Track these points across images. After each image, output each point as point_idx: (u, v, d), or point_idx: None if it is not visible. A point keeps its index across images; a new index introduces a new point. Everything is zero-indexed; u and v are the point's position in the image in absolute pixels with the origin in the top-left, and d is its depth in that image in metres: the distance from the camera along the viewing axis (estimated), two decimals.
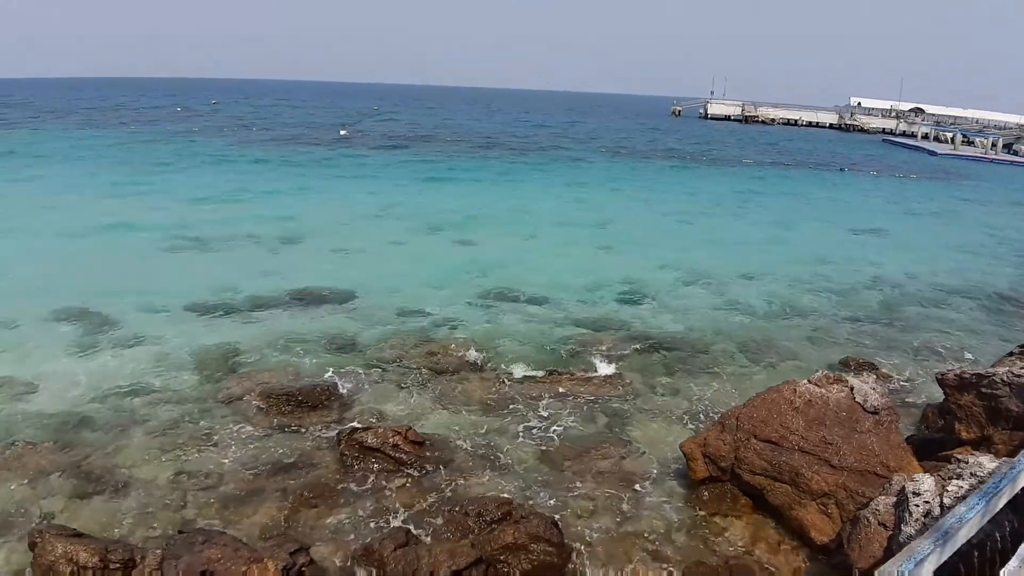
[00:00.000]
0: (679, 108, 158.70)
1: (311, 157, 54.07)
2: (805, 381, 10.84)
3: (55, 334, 16.69)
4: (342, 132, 76.42)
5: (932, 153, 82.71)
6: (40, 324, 17.21)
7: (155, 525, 9.86)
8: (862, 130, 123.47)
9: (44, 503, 10.30)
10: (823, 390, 10.51)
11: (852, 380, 10.78)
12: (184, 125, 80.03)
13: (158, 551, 8.48)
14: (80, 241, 25.76)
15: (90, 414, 12.90)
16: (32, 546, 8.55)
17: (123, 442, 12.01)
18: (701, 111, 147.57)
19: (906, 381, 15.52)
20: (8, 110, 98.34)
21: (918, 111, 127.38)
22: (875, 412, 10.11)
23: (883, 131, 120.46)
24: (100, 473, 11.07)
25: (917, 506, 7.76)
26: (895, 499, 8.26)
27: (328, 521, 10.02)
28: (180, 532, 9.04)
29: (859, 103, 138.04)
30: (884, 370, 15.95)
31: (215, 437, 12.24)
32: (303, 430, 12.54)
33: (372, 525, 9.92)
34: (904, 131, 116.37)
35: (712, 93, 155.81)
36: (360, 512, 10.23)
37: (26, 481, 10.79)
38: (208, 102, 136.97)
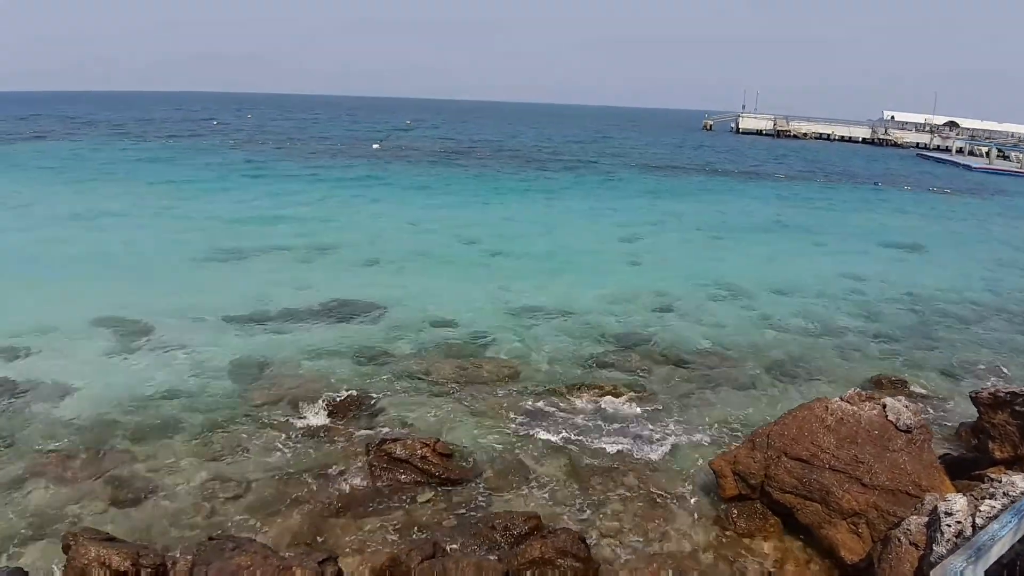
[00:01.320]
0: (710, 122, 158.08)
1: (344, 171, 54.68)
2: (837, 398, 10.73)
3: (93, 341, 17.03)
4: (375, 146, 77.07)
5: (967, 168, 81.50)
6: (79, 331, 17.57)
7: (186, 531, 10.00)
8: (895, 144, 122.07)
9: (78, 507, 10.49)
10: (855, 408, 10.39)
11: (885, 398, 10.66)
12: (220, 138, 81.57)
13: (189, 557, 8.59)
14: (119, 250, 26.34)
15: (125, 420, 13.13)
16: (66, 549, 8.69)
17: (156, 448, 12.21)
18: (733, 125, 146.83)
19: (939, 399, 15.28)
20: (60, 123, 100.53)
21: (952, 125, 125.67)
22: (908, 430, 9.97)
23: (917, 145, 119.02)
24: (133, 478, 11.25)
25: (949, 526, 7.64)
26: (927, 519, 8.14)
27: (356, 531, 10.08)
28: (210, 538, 9.14)
29: (892, 117, 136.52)
30: (917, 388, 15.74)
31: (247, 444, 12.39)
32: (333, 439, 12.65)
33: (400, 536, 9.96)
34: (938, 145, 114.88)
35: (744, 107, 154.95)
36: (388, 523, 10.27)
37: (61, 485, 11.01)
38: (243, 116, 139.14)
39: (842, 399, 10.69)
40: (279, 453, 12.14)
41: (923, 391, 15.64)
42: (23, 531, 9.84)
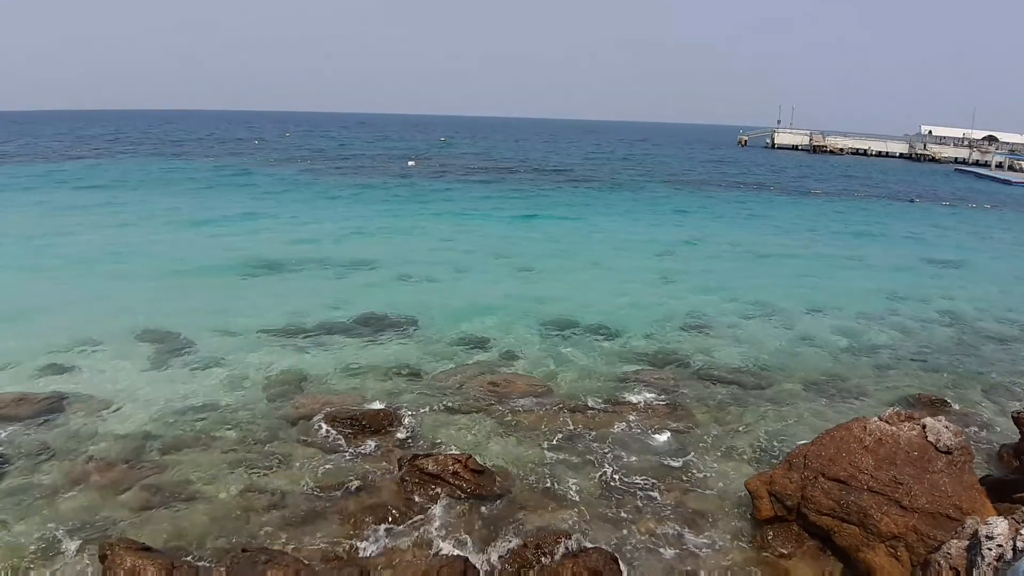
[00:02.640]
0: (745, 137, 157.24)
1: (380, 187, 55.34)
2: (875, 418, 10.56)
3: (134, 354, 17.36)
4: (410, 163, 77.75)
5: (1006, 183, 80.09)
6: (120, 344, 17.94)
7: (220, 542, 10.09)
8: (933, 159, 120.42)
9: (116, 516, 10.65)
10: (894, 428, 10.22)
11: (925, 418, 10.46)
12: (262, 155, 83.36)
13: (222, 568, 8.67)
14: (159, 265, 26.84)
15: (163, 431, 13.34)
16: (103, 558, 8.83)
17: (193, 460, 12.37)
18: (768, 140, 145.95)
19: (980, 419, 14.95)
20: (111, 142, 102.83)
21: (991, 139, 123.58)
22: (948, 452, 9.78)
23: (955, 160, 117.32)
24: (170, 489, 11.40)
25: (990, 550, 7.47)
26: (967, 543, 7.97)
27: (388, 546, 10.09)
28: (244, 551, 9.21)
29: (930, 131, 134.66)
30: (957, 408, 15.43)
31: (281, 458, 12.49)
32: (366, 454, 12.70)
33: (431, 553, 9.95)
34: (977, 160, 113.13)
35: (779, 122, 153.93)
36: (419, 539, 10.28)
37: (100, 494, 11.19)
38: (282, 134, 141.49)
39: (881, 419, 10.52)
40: (312, 466, 12.22)
41: (964, 411, 15.33)
42: (61, 538, 10.00)
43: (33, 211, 38.57)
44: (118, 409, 14.28)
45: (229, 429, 13.51)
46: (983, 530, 7.77)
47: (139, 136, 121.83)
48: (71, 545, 9.87)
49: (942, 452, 9.76)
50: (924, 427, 10.15)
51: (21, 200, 42.59)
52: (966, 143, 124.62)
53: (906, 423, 10.32)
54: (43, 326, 19.02)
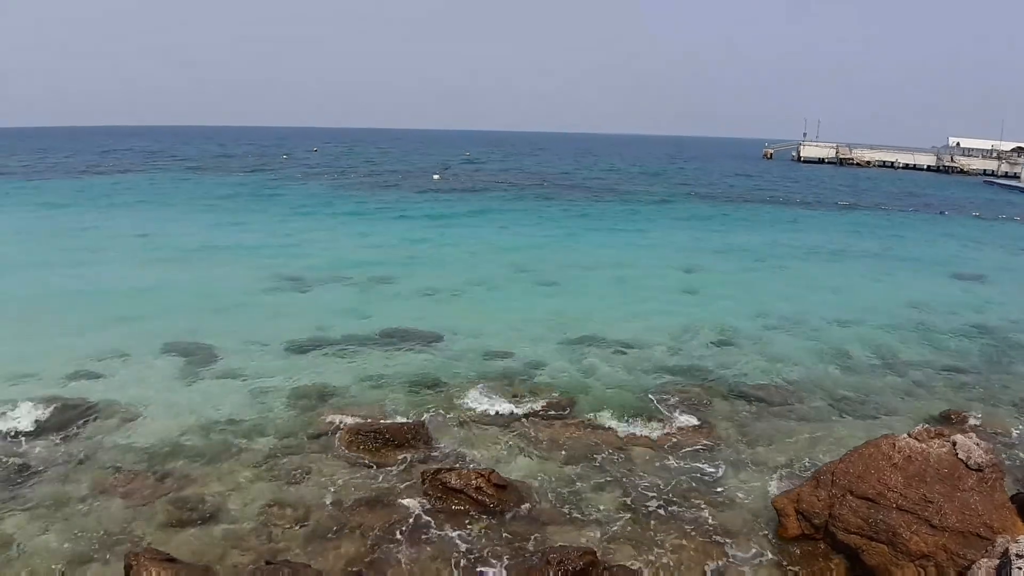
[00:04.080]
0: (771, 150, 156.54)
1: (405, 202, 55.74)
2: (904, 435, 10.41)
3: (162, 366, 17.57)
4: (435, 177, 78.18)
5: None
6: (148, 356, 18.16)
7: (245, 554, 10.13)
8: (961, 171, 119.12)
9: (141, 526, 10.74)
10: (923, 445, 10.06)
11: (955, 435, 10.29)
12: (290, 171, 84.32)
13: None
14: (187, 279, 27.16)
15: (189, 444, 13.45)
16: (127, 569, 8.90)
17: (218, 472, 12.45)
18: (794, 153, 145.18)
19: (1011, 436, 14.69)
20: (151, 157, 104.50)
21: (1020, 151, 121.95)
22: (979, 469, 9.61)
23: (984, 172, 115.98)
24: (195, 501, 11.47)
25: (1020, 568, 7.34)
26: (998, 561, 7.84)
27: (410, 560, 10.07)
28: (267, 563, 9.25)
29: (958, 143, 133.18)
30: (988, 424, 15.16)
31: (305, 471, 12.53)
32: (389, 468, 12.70)
33: (453, 567, 9.92)
34: (1006, 172, 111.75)
35: (805, 135, 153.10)
36: (441, 554, 10.25)
37: (126, 505, 11.31)
38: (310, 149, 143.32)
39: (910, 436, 10.37)
40: (336, 480, 12.24)
41: (994, 428, 15.06)
42: (88, 548, 10.11)
43: (63, 222, 39.31)
44: (145, 420, 14.44)
45: (254, 442, 13.59)
46: (1014, 548, 7.64)
47: (166, 151, 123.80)
48: (97, 555, 9.96)
49: (972, 470, 9.60)
50: (954, 444, 9.98)
51: (53, 212, 43.37)
52: (995, 155, 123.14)
53: (936, 440, 10.16)
54: (73, 337, 19.34)
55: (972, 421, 15.20)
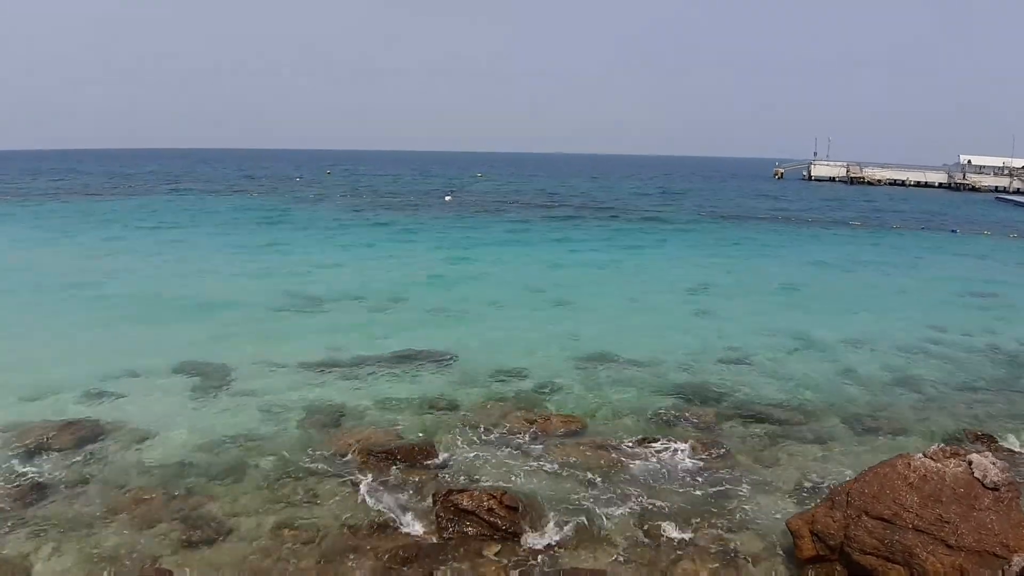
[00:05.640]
0: (781, 170, 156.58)
1: (418, 222, 56.11)
2: (919, 455, 10.31)
3: (173, 385, 17.62)
4: (447, 198, 78.58)
5: None
6: (159, 375, 18.24)
7: None
8: (973, 189, 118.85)
9: (152, 546, 10.69)
10: (939, 464, 9.97)
11: (970, 454, 10.19)
12: (303, 192, 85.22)
13: None
14: (199, 298, 27.35)
15: (200, 463, 13.46)
16: None
17: (229, 492, 12.42)
18: (804, 173, 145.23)
19: None
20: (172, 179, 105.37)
21: None
22: (995, 488, 9.51)
23: (995, 189, 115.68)
24: (205, 521, 11.44)
25: None
26: None
27: None
28: None
29: (969, 161, 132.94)
30: (1004, 442, 15.02)
31: (316, 492, 12.50)
32: (400, 488, 12.65)
33: None
34: (1018, 188, 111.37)
35: (815, 154, 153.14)
36: None
37: (137, 525, 11.27)
38: (323, 172, 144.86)
39: (925, 455, 10.27)
40: (346, 501, 12.21)
41: (1011, 446, 14.92)
42: (99, 568, 10.08)
43: (84, 242, 39.66)
44: (156, 439, 14.46)
45: (265, 462, 13.58)
46: None
47: (178, 174, 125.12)
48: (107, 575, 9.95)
49: (989, 488, 9.50)
50: (970, 463, 9.88)
51: (65, 235, 43.75)
52: (1006, 172, 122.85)
53: (951, 459, 10.06)
54: (85, 355, 19.50)
55: (988, 440, 15.06)
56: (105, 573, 9.91)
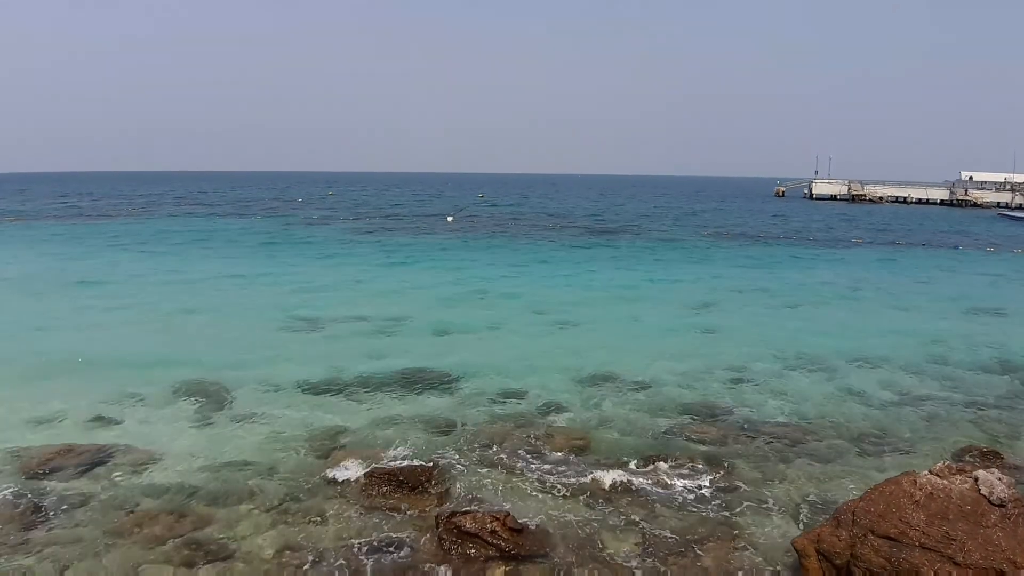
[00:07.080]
0: (783, 188, 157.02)
1: (419, 243, 56.40)
2: (925, 472, 10.24)
3: (175, 407, 17.64)
4: (449, 219, 78.84)
5: None
6: (162, 397, 18.26)
7: None
8: (975, 205, 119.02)
9: (155, 569, 10.64)
10: (945, 481, 9.90)
11: (976, 470, 10.12)
12: (304, 213, 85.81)
13: None
14: (202, 320, 27.45)
15: (203, 486, 13.40)
16: None
17: (232, 515, 12.36)
18: (806, 191, 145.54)
19: None
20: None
21: None
22: (1002, 505, 9.43)
23: (997, 205, 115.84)
24: (208, 544, 11.39)
25: None
26: None
27: None
28: None
29: (970, 177, 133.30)
30: (1010, 458, 14.91)
31: (319, 514, 12.44)
32: (403, 511, 12.59)
33: None
34: (1020, 204, 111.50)
35: (816, 172, 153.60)
36: None
37: (140, 548, 11.22)
38: (324, 193, 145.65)
39: (931, 472, 10.21)
40: (350, 523, 12.15)
41: (1017, 462, 14.81)
42: None
43: (80, 266, 39.71)
44: (159, 462, 14.42)
45: (268, 485, 13.51)
46: None
47: (179, 196, 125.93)
48: None
49: (995, 505, 9.43)
50: (976, 480, 9.82)
51: (54, 255, 43.85)
52: (1008, 187, 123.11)
53: (957, 476, 9.99)
54: (88, 378, 19.46)
55: (994, 456, 14.96)
56: None
